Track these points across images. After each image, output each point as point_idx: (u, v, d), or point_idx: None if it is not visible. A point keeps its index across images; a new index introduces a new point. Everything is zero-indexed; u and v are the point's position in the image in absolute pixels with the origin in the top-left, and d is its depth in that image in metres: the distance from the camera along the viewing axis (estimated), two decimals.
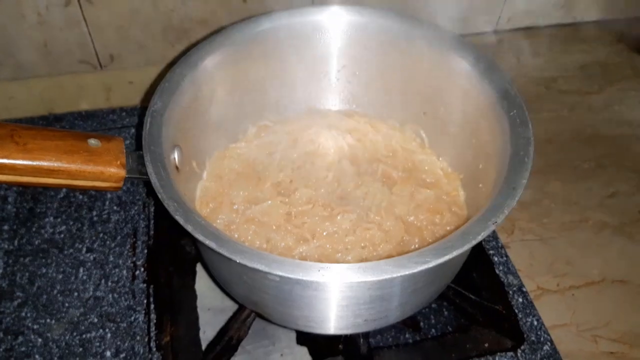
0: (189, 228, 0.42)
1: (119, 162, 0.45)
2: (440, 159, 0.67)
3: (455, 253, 0.41)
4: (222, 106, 0.65)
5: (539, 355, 0.59)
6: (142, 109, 0.84)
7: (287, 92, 0.71)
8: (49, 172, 0.44)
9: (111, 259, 0.66)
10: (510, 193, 0.45)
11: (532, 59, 0.95)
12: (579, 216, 0.82)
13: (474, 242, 0.41)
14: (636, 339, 0.76)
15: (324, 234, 0.58)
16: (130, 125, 0.82)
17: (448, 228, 0.60)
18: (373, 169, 0.66)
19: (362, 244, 0.58)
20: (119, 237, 0.68)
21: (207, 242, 0.41)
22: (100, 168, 0.44)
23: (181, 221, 0.43)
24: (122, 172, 0.46)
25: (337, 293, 0.45)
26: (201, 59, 0.59)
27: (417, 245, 0.58)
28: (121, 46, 0.78)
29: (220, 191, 0.63)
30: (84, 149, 0.44)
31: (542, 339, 0.61)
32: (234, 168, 0.66)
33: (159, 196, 0.44)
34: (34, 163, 0.43)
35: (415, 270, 0.40)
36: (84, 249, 0.67)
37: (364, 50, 0.67)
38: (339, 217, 0.60)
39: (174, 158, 0.53)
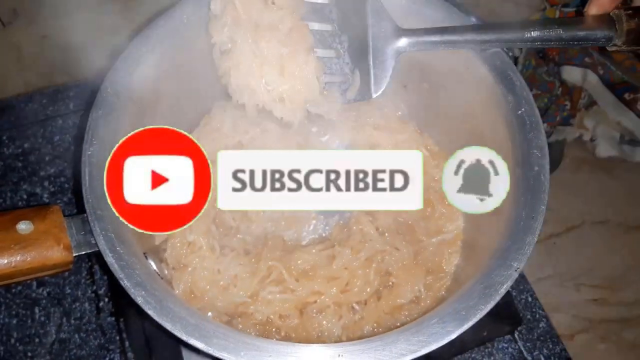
0: (168, 326, 0.35)
1: (61, 245, 0.36)
2: (425, 135, 0.60)
3: (479, 315, 0.36)
4: (170, 106, 0.53)
5: (535, 334, 0.59)
6: (57, 89, 0.69)
7: None
8: None
9: (68, 291, 0.58)
10: (529, 226, 0.39)
11: None
12: None
13: (498, 298, 0.37)
14: (616, 282, 0.79)
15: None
16: (56, 115, 0.69)
17: (441, 223, 0.55)
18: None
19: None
20: None
21: (192, 341, 0.35)
22: (40, 259, 0.35)
23: (155, 316, 0.35)
24: (69, 256, 0.37)
25: None
26: (135, 62, 0.47)
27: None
28: None
29: None
30: (13, 241, 0.34)
31: (537, 316, 0.60)
32: None
33: (121, 284, 0.36)
34: None
35: (437, 346, 0.35)
36: (34, 284, 0.58)
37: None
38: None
39: None
